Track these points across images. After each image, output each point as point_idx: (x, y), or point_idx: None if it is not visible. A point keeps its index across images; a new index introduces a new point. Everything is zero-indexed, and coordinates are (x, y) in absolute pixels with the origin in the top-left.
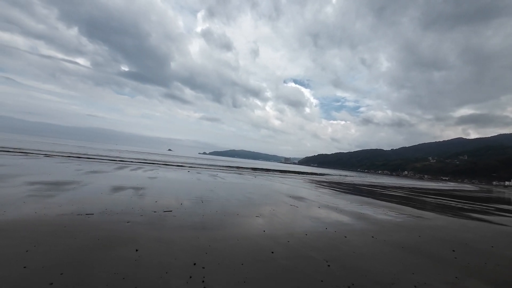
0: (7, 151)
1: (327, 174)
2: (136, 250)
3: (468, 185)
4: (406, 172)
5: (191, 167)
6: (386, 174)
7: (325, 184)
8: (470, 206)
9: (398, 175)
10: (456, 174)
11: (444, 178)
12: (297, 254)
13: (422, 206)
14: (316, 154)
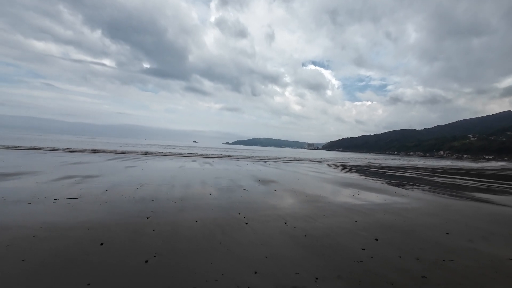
0: (21, 148)
1: (345, 158)
2: None
3: None
4: (442, 153)
5: (194, 156)
6: (419, 156)
7: (327, 167)
8: (487, 186)
9: (432, 156)
10: (502, 152)
11: (487, 157)
12: (132, 247)
13: (420, 186)
14: (340, 138)
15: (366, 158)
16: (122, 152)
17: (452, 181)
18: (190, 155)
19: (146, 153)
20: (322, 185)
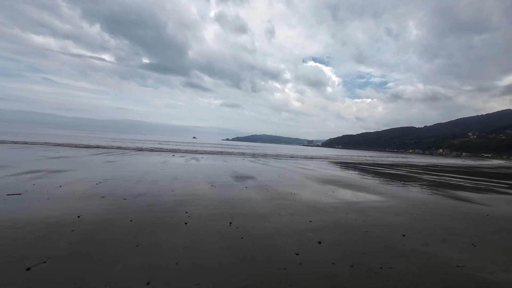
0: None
1: (341, 156)
2: None
3: None
4: (441, 150)
5: (185, 152)
6: (418, 153)
7: (317, 164)
8: (474, 184)
9: (431, 154)
10: (501, 150)
11: (486, 155)
12: (28, 251)
13: (404, 184)
14: (340, 135)
15: (363, 156)
16: (112, 147)
17: (440, 179)
18: (182, 151)
19: (137, 148)
20: (301, 182)
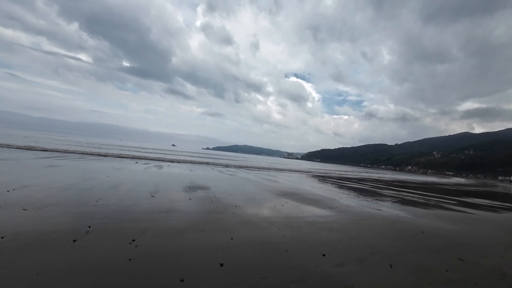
0: None
1: (317, 169)
2: None
3: (471, 180)
4: (409, 167)
5: (151, 159)
6: (390, 169)
7: (285, 176)
8: (426, 200)
9: (401, 170)
10: (461, 168)
11: (448, 173)
12: None
13: (359, 199)
14: (319, 149)
15: (337, 170)
16: (69, 151)
17: (398, 194)
18: (151, 158)
19: (100, 153)
20: (256, 194)
